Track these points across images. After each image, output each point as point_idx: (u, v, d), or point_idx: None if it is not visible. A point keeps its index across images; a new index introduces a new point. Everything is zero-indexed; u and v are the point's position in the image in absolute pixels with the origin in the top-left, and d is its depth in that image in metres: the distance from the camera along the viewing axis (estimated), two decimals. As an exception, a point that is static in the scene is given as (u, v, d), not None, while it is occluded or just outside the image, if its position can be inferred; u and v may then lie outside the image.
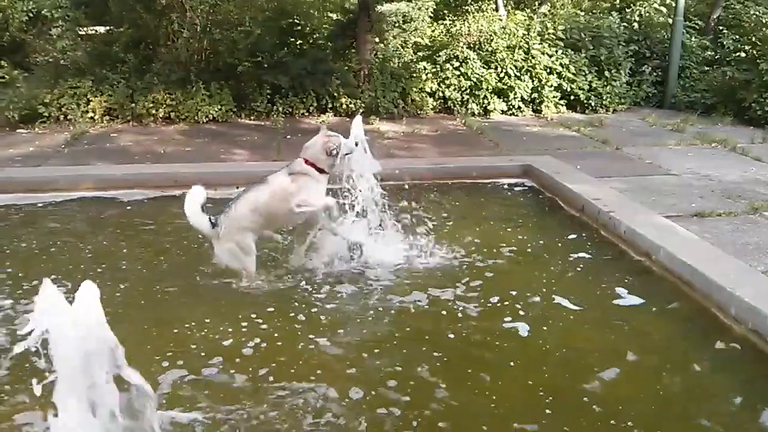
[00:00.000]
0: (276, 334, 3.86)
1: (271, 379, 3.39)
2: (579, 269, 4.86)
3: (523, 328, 3.97)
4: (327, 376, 3.41)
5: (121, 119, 10.23)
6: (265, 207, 4.54)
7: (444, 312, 4.17)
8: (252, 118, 10.69)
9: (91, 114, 10.08)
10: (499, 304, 4.25)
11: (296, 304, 4.23)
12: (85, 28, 11.59)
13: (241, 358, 3.60)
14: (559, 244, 5.31)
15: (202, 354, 3.61)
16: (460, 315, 4.13)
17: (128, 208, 6.13)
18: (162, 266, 4.84)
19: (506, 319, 4.07)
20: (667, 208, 6.23)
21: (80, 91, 10.20)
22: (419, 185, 6.60)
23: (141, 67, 10.67)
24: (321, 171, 4.61)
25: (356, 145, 4.72)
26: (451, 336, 3.87)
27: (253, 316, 4.04)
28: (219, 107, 10.42)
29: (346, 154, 4.65)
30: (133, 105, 10.20)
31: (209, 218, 4.45)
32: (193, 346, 3.71)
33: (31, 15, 10.92)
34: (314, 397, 3.21)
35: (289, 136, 9.58)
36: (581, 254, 5.07)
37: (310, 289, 4.44)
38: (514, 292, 4.40)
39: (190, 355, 3.61)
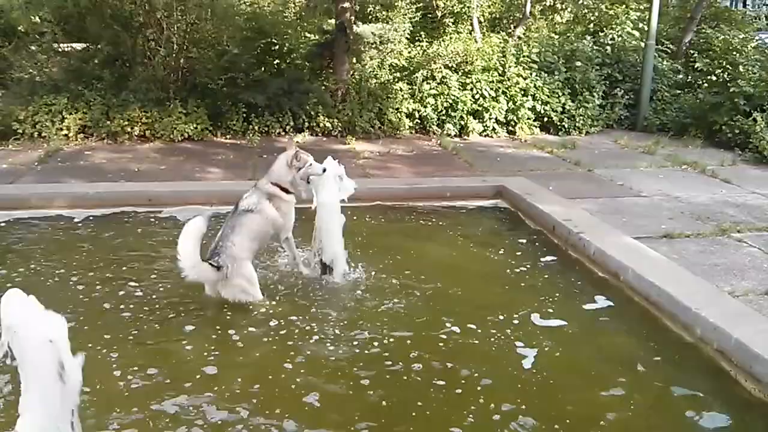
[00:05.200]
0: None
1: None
2: (547, 289, 4.91)
3: (495, 345, 4.04)
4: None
5: (96, 137, 10.12)
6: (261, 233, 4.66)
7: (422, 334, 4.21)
8: (228, 136, 10.65)
9: (65, 131, 9.97)
10: (467, 323, 4.28)
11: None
12: (61, 45, 11.52)
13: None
14: (529, 264, 5.37)
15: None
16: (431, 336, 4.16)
17: (94, 226, 6.09)
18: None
19: (478, 337, 4.12)
20: (636, 229, 6.31)
21: (55, 108, 10.07)
22: (394, 205, 6.67)
23: (117, 84, 10.58)
24: (286, 191, 4.71)
25: (323, 171, 4.75)
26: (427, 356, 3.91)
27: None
28: (195, 125, 10.36)
29: (312, 175, 4.72)
30: (109, 122, 10.10)
31: (210, 263, 4.31)
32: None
33: (7, 30, 10.84)
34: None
35: (264, 155, 9.56)
36: (550, 274, 5.15)
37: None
38: (484, 312, 4.44)
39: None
